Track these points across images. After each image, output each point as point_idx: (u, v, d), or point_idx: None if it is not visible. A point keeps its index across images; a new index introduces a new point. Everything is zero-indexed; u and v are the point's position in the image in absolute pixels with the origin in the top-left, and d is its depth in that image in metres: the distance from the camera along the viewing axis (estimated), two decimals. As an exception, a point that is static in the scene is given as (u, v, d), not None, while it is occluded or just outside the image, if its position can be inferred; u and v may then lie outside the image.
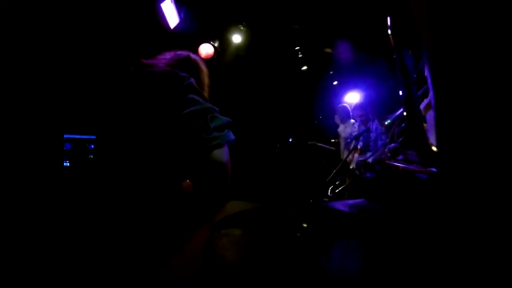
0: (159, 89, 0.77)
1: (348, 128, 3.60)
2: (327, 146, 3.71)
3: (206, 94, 1.01)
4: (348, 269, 0.35)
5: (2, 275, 0.53)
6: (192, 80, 0.80)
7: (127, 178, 0.72)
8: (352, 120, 3.64)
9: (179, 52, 1.00)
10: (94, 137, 2.37)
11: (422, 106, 1.19)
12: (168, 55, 0.98)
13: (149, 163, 0.72)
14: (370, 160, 3.02)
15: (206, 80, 1.03)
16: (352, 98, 4.11)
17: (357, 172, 3.02)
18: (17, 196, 1.27)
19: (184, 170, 0.73)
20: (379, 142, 3.06)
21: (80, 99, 2.13)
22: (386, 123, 1.38)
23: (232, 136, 0.77)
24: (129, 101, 0.80)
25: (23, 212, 1.20)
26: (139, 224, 0.65)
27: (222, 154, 0.71)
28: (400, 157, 1.51)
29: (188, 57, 1.00)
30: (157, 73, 0.82)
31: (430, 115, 0.99)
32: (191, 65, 0.98)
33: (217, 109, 0.78)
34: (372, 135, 3.17)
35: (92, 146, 2.39)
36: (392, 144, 1.48)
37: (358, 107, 3.28)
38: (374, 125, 3.16)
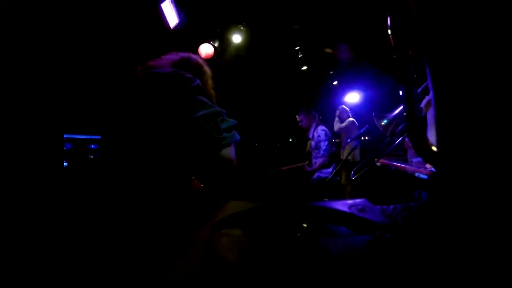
0: (167, 90, 0.80)
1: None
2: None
3: (211, 97, 1.03)
4: (347, 269, 0.35)
5: (2, 275, 0.53)
6: (198, 81, 0.83)
7: (133, 178, 0.73)
8: (351, 119, 3.65)
9: (181, 54, 1.02)
10: (94, 137, 2.37)
11: (423, 104, 1.19)
12: (171, 57, 0.99)
13: (159, 164, 0.74)
14: (315, 166, 2.99)
15: (209, 81, 1.06)
16: (352, 98, 4.12)
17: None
18: (17, 196, 1.27)
19: (195, 167, 0.78)
20: (320, 151, 3.00)
21: (81, 99, 2.13)
22: (382, 123, 1.39)
23: (238, 137, 0.84)
24: (137, 103, 0.81)
25: (23, 212, 1.20)
26: (138, 224, 0.66)
27: (230, 152, 0.79)
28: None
29: (190, 59, 1.01)
30: (164, 74, 0.84)
31: (430, 113, 1.00)
32: (193, 67, 1.00)
33: (224, 111, 0.84)
34: (313, 143, 3.11)
35: (92, 146, 2.39)
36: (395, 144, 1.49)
37: (301, 110, 3.19)
38: (315, 132, 3.09)
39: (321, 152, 2.99)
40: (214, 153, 0.76)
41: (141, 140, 0.76)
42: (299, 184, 3.12)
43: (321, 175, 3.04)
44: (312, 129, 3.14)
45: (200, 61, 1.05)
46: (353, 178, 1.95)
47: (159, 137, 0.75)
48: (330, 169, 3.05)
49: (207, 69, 1.05)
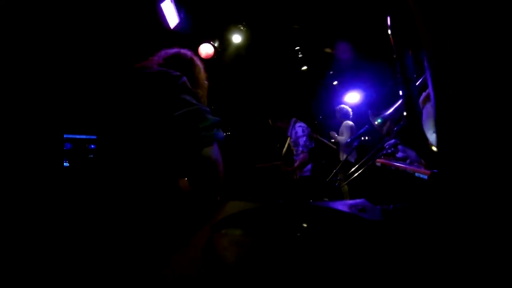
0: (154, 89, 0.79)
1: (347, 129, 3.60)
2: (328, 142, 3.69)
3: (203, 89, 1.01)
4: (347, 268, 0.35)
5: (2, 275, 0.53)
6: (185, 78, 0.82)
7: (127, 178, 0.73)
8: (350, 122, 3.63)
9: (168, 50, 1.00)
10: (94, 137, 2.37)
11: (420, 100, 1.18)
12: (159, 55, 0.99)
13: (145, 163, 0.74)
14: (295, 164, 2.90)
15: (201, 74, 1.03)
16: (352, 98, 4.12)
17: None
18: (17, 196, 1.27)
19: (178, 168, 0.77)
20: (299, 147, 2.89)
21: (80, 99, 2.13)
22: (376, 122, 1.37)
23: (221, 134, 0.81)
24: (126, 102, 0.81)
25: (23, 211, 1.20)
26: (139, 224, 0.65)
27: (211, 151, 0.76)
28: (400, 154, 1.50)
29: (178, 53, 1.00)
30: (151, 74, 0.84)
31: (427, 108, 0.99)
32: (182, 61, 0.98)
33: (207, 109, 0.81)
34: (292, 140, 3.00)
35: (92, 146, 2.39)
36: (392, 141, 1.47)
37: (274, 117, 3.06)
38: (293, 129, 2.98)
39: (300, 149, 2.88)
40: (194, 153, 0.74)
41: (129, 140, 0.76)
42: (281, 183, 3.04)
43: (302, 174, 2.97)
44: (290, 127, 3.02)
45: (189, 54, 1.02)
46: (346, 182, 1.93)
47: (145, 136, 0.75)
48: (309, 167, 2.94)
49: (197, 61, 1.03)
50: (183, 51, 1.02)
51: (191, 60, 1.02)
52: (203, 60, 1.07)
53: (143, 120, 0.76)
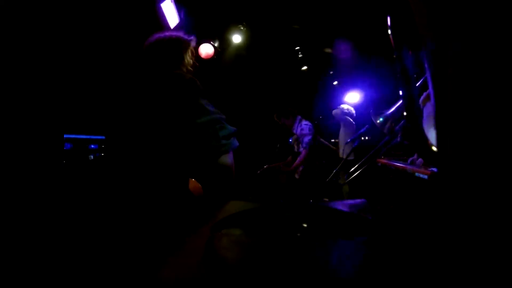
0: (169, 93, 0.82)
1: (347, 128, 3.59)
2: (328, 144, 3.69)
3: (188, 67, 1.00)
4: (347, 269, 0.35)
5: (2, 275, 0.53)
6: (197, 82, 0.84)
7: (133, 179, 0.74)
8: (352, 121, 3.62)
9: (157, 37, 1.00)
10: (94, 137, 2.37)
11: (420, 99, 1.18)
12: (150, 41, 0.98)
13: (159, 165, 0.76)
14: (296, 162, 2.92)
15: (188, 55, 1.02)
16: (352, 98, 4.11)
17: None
18: (17, 196, 1.27)
19: (195, 172, 0.80)
20: (302, 144, 2.92)
21: (81, 99, 2.13)
22: (378, 120, 1.37)
23: (237, 143, 0.87)
24: (138, 105, 0.83)
25: (23, 212, 1.20)
26: (139, 224, 0.66)
27: (228, 159, 0.82)
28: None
29: (159, 39, 1.00)
30: (165, 77, 0.85)
31: (427, 107, 1.00)
32: (166, 44, 0.98)
33: (224, 117, 0.86)
34: (296, 137, 3.03)
35: (92, 146, 2.39)
36: (394, 141, 1.47)
37: (279, 113, 3.10)
38: (299, 126, 3.00)
39: (303, 145, 2.90)
40: (213, 159, 0.79)
41: (141, 143, 0.78)
42: (289, 182, 3.07)
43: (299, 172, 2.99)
44: (296, 124, 3.05)
45: (173, 34, 1.03)
46: (347, 180, 1.94)
47: (159, 140, 0.77)
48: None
49: (182, 38, 1.03)
50: (159, 34, 1.02)
51: (173, 39, 1.01)
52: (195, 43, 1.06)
53: (160, 125, 0.79)
